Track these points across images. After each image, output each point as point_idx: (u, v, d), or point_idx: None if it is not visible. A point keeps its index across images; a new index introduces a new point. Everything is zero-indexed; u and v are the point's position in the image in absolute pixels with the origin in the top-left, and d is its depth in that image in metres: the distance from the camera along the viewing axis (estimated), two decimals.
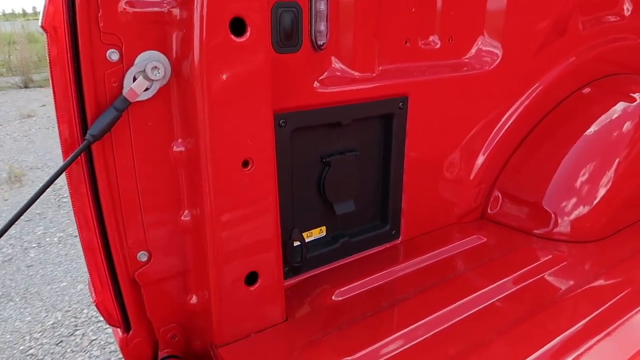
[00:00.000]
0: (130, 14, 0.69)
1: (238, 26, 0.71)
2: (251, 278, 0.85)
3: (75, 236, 3.49)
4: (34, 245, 3.43)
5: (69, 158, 0.68)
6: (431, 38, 1.14)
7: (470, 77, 1.21)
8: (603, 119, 1.41)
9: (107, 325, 2.65)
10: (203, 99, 0.72)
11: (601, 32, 1.52)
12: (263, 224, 0.83)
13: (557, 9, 1.31)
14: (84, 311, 2.74)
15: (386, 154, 1.11)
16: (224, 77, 0.73)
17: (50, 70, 0.67)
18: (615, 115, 1.41)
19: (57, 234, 3.54)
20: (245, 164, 0.78)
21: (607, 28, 1.54)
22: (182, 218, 0.81)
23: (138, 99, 0.71)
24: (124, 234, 0.77)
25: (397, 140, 1.11)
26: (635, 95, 1.46)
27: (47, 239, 3.49)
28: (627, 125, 1.40)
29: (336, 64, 0.98)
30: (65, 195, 4.14)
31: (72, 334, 2.55)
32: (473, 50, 1.23)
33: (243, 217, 0.81)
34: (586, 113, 1.43)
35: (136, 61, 0.71)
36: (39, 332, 2.55)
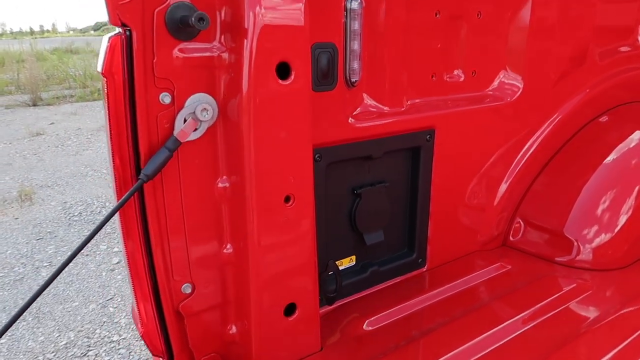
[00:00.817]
0: (182, 60, 0.72)
1: (283, 70, 0.75)
2: (290, 309, 0.87)
3: (87, 255, 3.52)
4: (45, 264, 3.45)
5: (124, 196, 0.71)
6: (456, 72, 1.18)
7: (493, 109, 1.24)
8: (621, 147, 1.43)
9: (120, 346, 2.68)
10: (249, 139, 0.75)
11: (616, 63, 1.55)
12: (301, 256, 0.85)
13: (575, 42, 1.35)
14: (97, 331, 2.75)
15: (414, 184, 1.14)
16: (270, 117, 0.76)
17: (108, 113, 0.70)
18: (633, 143, 1.44)
19: (68, 252, 3.56)
20: (287, 199, 0.81)
21: (622, 58, 1.58)
22: (224, 251, 0.84)
23: (188, 139, 0.74)
24: (171, 268, 0.80)
25: (425, 172, 1.13)
26: None
27: (59, 258, 3.51)
28: None
29: (368, 100, 1.01)
30: (75, 214, 4.17)
31: (85, 354, 2.56)
32: (495, 83, 1.26)
33: (283, 250, 0.83)
34: (604, 141, 1.46)
35: (186, 103, 0.74)
36: (52, 352, 2.56)
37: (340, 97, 0.95)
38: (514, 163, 1.35)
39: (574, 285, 1.20)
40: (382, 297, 1.13)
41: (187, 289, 0.83)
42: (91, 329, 2.73)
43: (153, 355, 0.84)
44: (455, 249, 1.30)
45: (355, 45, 0.93)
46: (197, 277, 0.83)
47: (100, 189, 4.89)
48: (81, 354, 2.55)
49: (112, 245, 3.67)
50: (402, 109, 1.07)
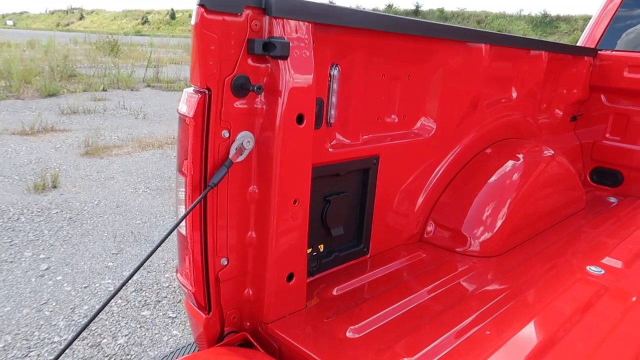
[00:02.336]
0: (237, 109, 1.12)
1: (300, 119, 1.17)
2: (290, 277, 1.28)
3: (11, 262, 3.53)
4: None
5: (199, 197, 1.08)
6: (393, 116, 1.67)
7: (417, 142, 1.76)
8: (499, 171, 2.03)
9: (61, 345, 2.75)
10: (276, 161, 1.16)
11: (497, 111, 2.17)
12: (299, 240, 1.28)
13: (470, 96, 1.92)
14: (35, 333, 2.81)
15: (364, 194, 1.61)
16: (288, 147, 1.18)
17: (191, 142, 1.08)
18: (507, 169, 2.04)
19: None
20: (295, 201, 1.23)
21: (501, 107, 2.20)
22: (249, 235, 1.23)
23: (237, 161, 1.14)
24: (216, 246, 1.18)
25: (371, 185, 1.61)
26: (519, 155, 2.12)
27: None
28: (515, 176, 2.04)
29: (339, 135, 1.46)
30: None
31: (26, 355, 2.61)
32: (418, 124, 1.78)
33: (289, 236, 1.25)
34: (488, 166, 2.05)
35: (237, 137, 1.14)
36: None
37: (324, 133, 1.39)
38: (429, 181, 1.88)
39: (466, 266, 1.74)
40: (343, 273, 1.58)
41: (224, 261, 1.21)
42: (29, 331, 2.80)
43: (198, 309, 1.21)
44: (388, 242, 1.79)
45: (334, 99, 1.38)
46: (231, 253, 1.21)
47: (14, 195, 4.80)
48: (22, 355, 2.61)
49: (37, 252, 3.70)
50: (359, 142, 1.53)
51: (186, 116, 1.08)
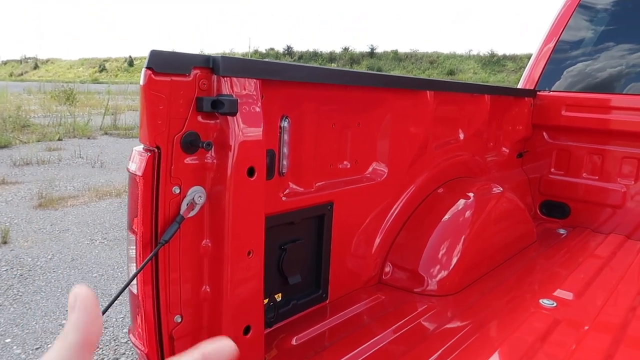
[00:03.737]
0: (187, 165, 1.14)
1: (251, 171, 1.20)
2: (247, 329, 1.27)
3: None
4: None
5: (150, 255, 1.08)
6: (345, 162, 1.72)
7: (370, 186, 1.81)
8: (452, 210, 2.10)
9: None
10: (227, 214, 1.17)
11: (447, 151, 2.27)
12: (255, 292, 1.27)
13: (418, 140, 2.01)
14: None
15: (320, 240, 1.63)
16: (241, 200, 1.19)
17: (140, 199, 1.08)
18: (460, 207, 2.11)
19: None
20: (249, 253, 1.24)
21: (451, 148, 2.30)
22: (203, 290, 1.22)
23: (189, 216, 1.14)
24: (169, 304, 1.16)
25: (327, 231, 1.63)
26: (470, 194, 2.20)
27: None
28: (467, 214, 2.11)
29: (292, 184, 1.49)
30: None
31: None
32: (370, 169, 1.84)
33: (244, 287, 1.24)
34: (441, 205, 2.11)
35: (188, 193, 1.15)
36: None
37: (277, 183, 1.42)
38: (384, 222, 1.93)
39: (425, 306, 1.76)
40: (302, 321, 1.57)
41: (178, 318, 1.19)
42: None
43: None
44: (347, 286, 1.81)
45: (285, 150, 1.42)
46: (185, 309, 1.20)
47: None
48: None
49: None
50: (312, 189, 1.57)
51: (135, 174, 1.09)
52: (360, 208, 1.78)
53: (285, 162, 1.43)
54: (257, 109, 1.21)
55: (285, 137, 1.41)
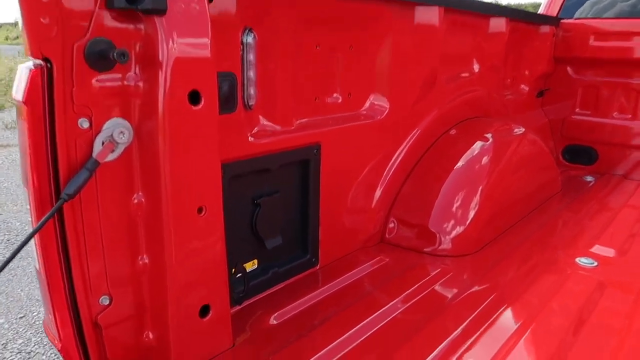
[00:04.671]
0: (99, 89, 0.80)
1: (195, 97, 0.86)
2: (204, 310, 0.96)
3: None
4: None
5: (46, 216, 0.75)
6: (335, 95, 1.37)
7: (367, 125, 1.46)
8: (467, 155, 1.75)
9: None
10: (165, 158, 0.84)
11: (460, 85, 1.90)
12: (213, 262, 0.96)
13: (426, 69, 1.64)
14: None
15: (305, 193, 1.30)
16: (182, 138, 0.86)
17: (27, 138, 0.75)
18: (476, 151, 1.77)
19: None
20: (200, 210, 0.91)
21: (463, 82, 1.93)
22: (140, 262, 0.91)
23: (106, 160, 0.81)
24: (89, 282, 0.85)
25: (314, 181, 1.30)
26: (488, 135, 1.85)
27: None
28: (485, 159, 1.77)
29: (263, 120, 1.15)
30: None
31: None
32: (367, 104, 1.48)
33: (197, 257, 0.93)
34: (454, 150, 1.77)
35: (104, 127, 0.81)
36: None
37: (240, 118, 1.07)
38: (386, 170, 1.59)
39: (438, 270, 1.45)
40: (284, 294, 1.26)
41: (104, 300, 0.88)
42: None
43: None
44: (342, 248, 1.49)
45: (251, 74, 1.07)
46: (114, 289, 0.88)
47: None
48: None
49: None
50: (292, 128, 1.22)
51: (19, 102, 0.75)
52: (355, 152, 1.45)
53: (252, 91, 1.08)
54: (199, 9, 0.85)
55: (250, 56, 1.06)
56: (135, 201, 0.88)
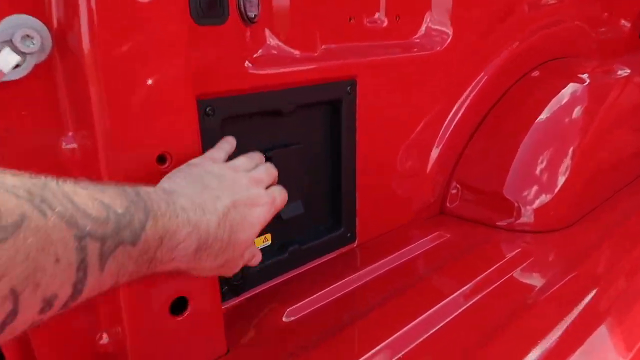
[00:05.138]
0: None
1: None
2: (178, 305, 0.67)
3: None
4: None
5: None
6: (377, 15, 1.02)
7: (421, 58, 1.10)
8: (554, 104, 1.34)
9: None
10: (98, 79, 0.54)
11: (545, 13, 1.47)
12: None
13: None
14: None
15: (336, 146, 0.97)
16: (126, 49, 0.55)
17: None
18: (567, 99, 1.35)
19: None
20: (162, 159, 0.61)
21: (551, 9, 1.50)
22: None
23: (5, 79, 0.53)
24: None
25: (348, 131, 0.97)
26: (584, 76, 1.42)
27: None
28: (578, 109, 1.35)
29: (272, 39, 0.82)
30: None
31: None
32: (422, 30, 1.11)
33: None
34: (538, 97, 1.36)
35: None
36: None
37: (234, 35, 0.75)
38: (447, 121, 1.22)
39: (518, 250, 1.09)
40: (306, 280, 0.96)
41: None
42: None
43: None
44: (388, 220, 1.16)
45: None
46: None
47: None
48: None
49: None
50: (316, 54, 0.89)
51: None
52: (404, 95, 1.09)
53: None
54: None
55: None
56: (65, 146, 0.59)
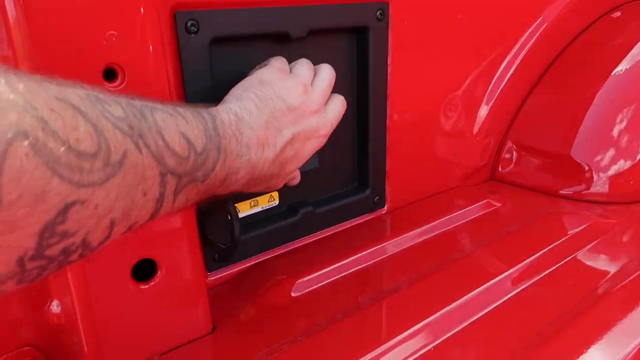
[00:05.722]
0: None
1: None
2: (144, 269, 0.53)
3: None
4: None
5: None
6: None
7: None
8: (637, 52, 1.09)
9: None
10: None
11: None
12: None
13: None
14: None
15: (362, 88, 0.79)
16: None
17: None
18: None
19: None
20: (110, 74, 0.46)
21: None
22: None
23: None
24: None
25: (377, 68, 0.78)
26: None
27: None
28: None
29: None
30: None
31: None
32: None
33: None
34: (619, 42, 1.11)
35: None
36: None
37: None
38: (502, 67, 1.01)
39: (588, 223, 0.87)
40: (321, 249, 0.79)
41: None
42: None
43: None
44: (426, 185, 0.97)
45: None
46: None
47: None
48: None
49: None
50: None
51: None
52: (450, 30, 0.89)
53: None
54: None
55: None
56: None
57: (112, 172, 0.31)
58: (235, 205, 0.62)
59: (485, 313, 0.64)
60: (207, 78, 0.60)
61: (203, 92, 0.60)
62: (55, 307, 0.54)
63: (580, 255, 0.79)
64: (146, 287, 0.53)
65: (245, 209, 0.72)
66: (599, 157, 0.99)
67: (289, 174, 0.59)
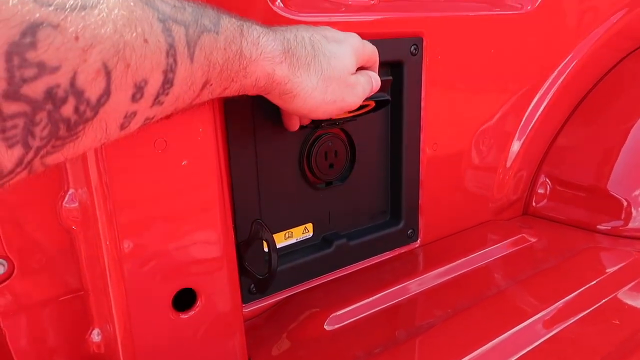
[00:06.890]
0: None
1: None
2: (184, 299, 0.53)
3: None
4: None
5: None
6: None
7: (507, 19, 0.90)
8: None
9: None
10: None
11: None
12: (202, 219, 0.52)
13: None
14: None
15: (396, 120, 0.80)
16: None
17: None
18: None
19: None
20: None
21: None
22: (65, 205, 0.50)
23: None
24: None
25: (410, 101, 0.79)
26: None
27: None
28: None
29: None
30: None
31: None
32: None
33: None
34: None
35: None
36: None
37: None
38: (536, 99, 1.01)
39: (629, 260, 0.85)
40: (355, 282, 0.79)
41: None
42: None
43: None
44: (458, 218, 0.96)
45: None
46: (12, 251, 0.49)
47: None
48: None
49: None
50: (373, 2, 0.73)
51: None
52: (483, 63, 0.90)
53: None
54: None
55: None
56: None
57: (93, 2, 0.28)
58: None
59: (524, 354, 0.62)
60: (248, 118, 0.62)
61: (242, 132, 0.61)
62: (95, 335, 0.55)
63: (622, 294, 0.76)
64: (186, 317, 0.53)
65: (280, 241, 0.72)
66: (637, 192, 0.96)
67: (343, 69, 0.53)
